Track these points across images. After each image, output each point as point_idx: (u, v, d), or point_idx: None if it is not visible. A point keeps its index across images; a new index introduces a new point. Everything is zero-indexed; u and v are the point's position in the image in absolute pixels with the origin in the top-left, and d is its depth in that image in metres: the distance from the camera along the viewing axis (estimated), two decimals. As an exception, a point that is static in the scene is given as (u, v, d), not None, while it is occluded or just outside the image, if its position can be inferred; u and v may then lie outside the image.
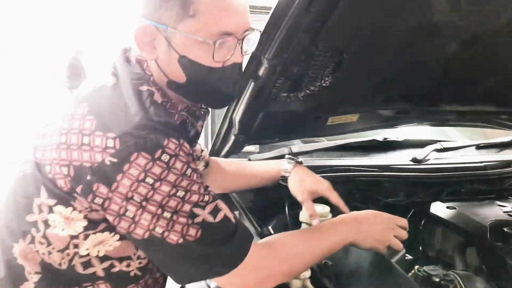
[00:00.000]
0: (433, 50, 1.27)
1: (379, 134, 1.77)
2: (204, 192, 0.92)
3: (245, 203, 1.35)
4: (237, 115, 1.31)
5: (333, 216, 1.21)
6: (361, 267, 1.15)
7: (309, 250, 1.02)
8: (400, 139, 1.74)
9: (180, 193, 0.88)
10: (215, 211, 0.93)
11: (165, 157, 0.86)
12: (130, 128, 0.87)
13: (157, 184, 0.86)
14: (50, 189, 0.95)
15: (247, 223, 1.25)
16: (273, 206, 1.37)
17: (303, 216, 1.25)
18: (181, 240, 0.90)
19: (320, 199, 1.26)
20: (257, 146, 1.58)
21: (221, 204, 0.95)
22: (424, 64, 1.32)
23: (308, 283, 1.09)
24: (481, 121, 1.69)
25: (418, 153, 1.63)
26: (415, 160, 1.60)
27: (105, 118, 0.90)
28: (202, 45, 0.90)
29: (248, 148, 1.52)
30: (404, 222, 1.13)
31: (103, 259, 0.97)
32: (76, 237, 0.96)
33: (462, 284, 1.08)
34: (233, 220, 0.95)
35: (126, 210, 0.89)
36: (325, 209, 1.26)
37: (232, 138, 1.39)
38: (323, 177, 1.27)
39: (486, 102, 1.53)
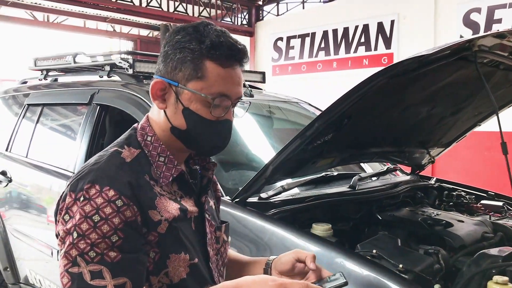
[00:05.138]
0: (382, 117, 2.05)
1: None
2: (98, 250, 0.95)
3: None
4: (274, 164, 1.83)
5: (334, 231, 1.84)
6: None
7: None
8: (335, 173, 2.48)
9: (75, 234, 0.96)
10: (96, 274, 0.94)
11: (82, 199, 0.99)
12: (78, 175, 1.05)
13: (68, 219, 0.99)
14: None
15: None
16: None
17: None
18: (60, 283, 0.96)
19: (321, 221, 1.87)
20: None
21: (107, 275, 0.94)
22: (373, 125, 2.09)
23: None
24: (383, 158, 2.56)
25: (351, 182, 2.38)
26: (351, 187, 2.35)
27: (75, 173, 1.09)
28: (203, 101, 1.10)
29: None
30: (299, 285, 0.97)
31: None
32: None
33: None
34: None
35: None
36: (328, 225, 1.88)
37: (262, 181, 1.89)
38: (310, 205, 1.90)
39: (390, 145, 2.40)
